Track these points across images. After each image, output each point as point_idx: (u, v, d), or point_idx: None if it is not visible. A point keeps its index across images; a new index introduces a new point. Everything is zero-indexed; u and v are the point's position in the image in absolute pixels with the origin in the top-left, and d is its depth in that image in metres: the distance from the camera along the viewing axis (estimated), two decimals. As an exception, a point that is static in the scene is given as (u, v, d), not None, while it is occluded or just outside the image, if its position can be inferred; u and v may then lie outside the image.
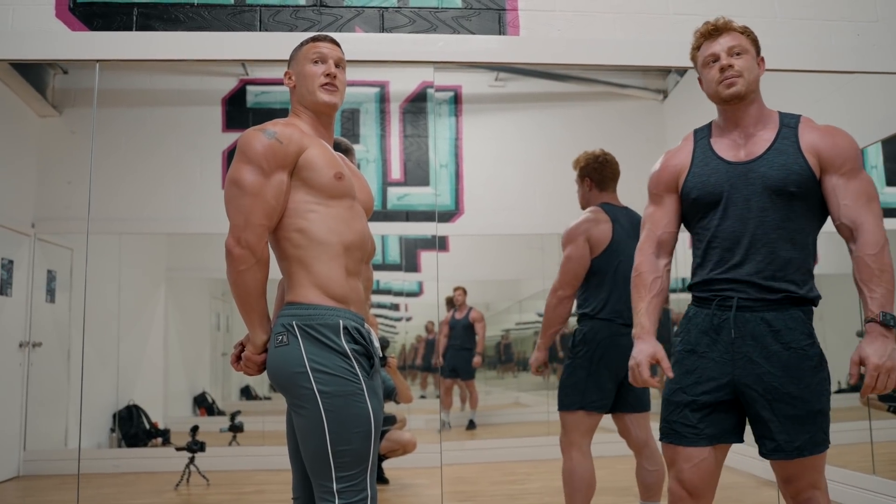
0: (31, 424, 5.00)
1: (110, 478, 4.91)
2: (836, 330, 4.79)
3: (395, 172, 5.42)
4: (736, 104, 1.91)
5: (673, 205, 2.01)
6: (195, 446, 4.57)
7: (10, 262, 5.01)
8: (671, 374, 1.89)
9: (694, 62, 2.03)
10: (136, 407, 5.60)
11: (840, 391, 4.84)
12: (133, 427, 5.52)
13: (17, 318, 5.07)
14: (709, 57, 1.95)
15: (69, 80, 5.25)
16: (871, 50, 3.31)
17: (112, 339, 5.59)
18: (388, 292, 6.49)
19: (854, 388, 4.67)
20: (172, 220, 5.36)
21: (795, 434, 1.80)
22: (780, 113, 1.96)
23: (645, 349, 1.90)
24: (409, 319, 6.90)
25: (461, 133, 5.57)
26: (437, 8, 3.26)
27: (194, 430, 4.68)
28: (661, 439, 1.96)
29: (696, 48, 2.00)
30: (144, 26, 3.13)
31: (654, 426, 3.09)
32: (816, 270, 1.94)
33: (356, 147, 4.73)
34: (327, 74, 1.90)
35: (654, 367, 1.93)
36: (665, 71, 5.55)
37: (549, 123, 5.64)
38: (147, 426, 5.59)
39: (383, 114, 5.44)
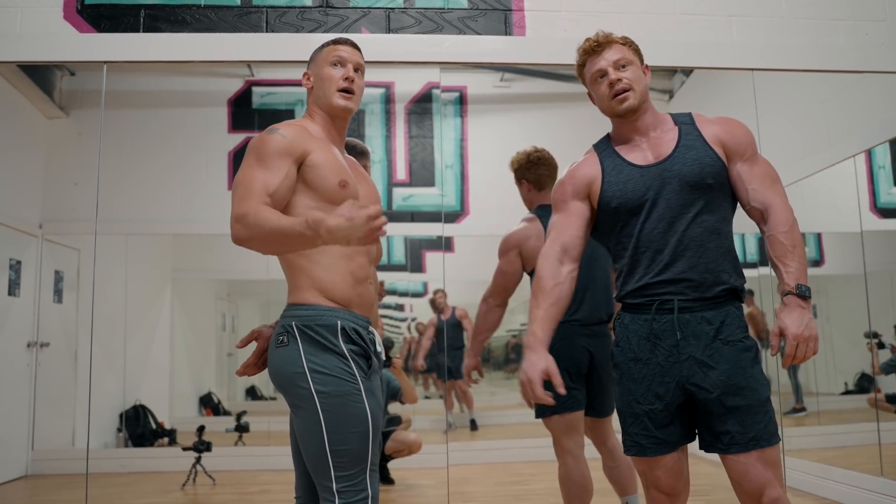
0: (38, 424, 5.02)
1: (117, 477, 4.93)
2: (842, 331, 4.78)
3: (401, 173, 5.43)
4: (631, 116, 1.94)
5: (580, 212, 2.00)
6: (201, 446, 4.59)
7: (18, 262, 5.03)
8: (562, 391, 1.83)
9: (582, 80, 2.04)
10: (143, 407, 5.62)
11: (847, 392, 4.83)
12: (140, 427, 5.54)
13: (25, 319, 5.09)
14: (596, 73, 1.96)
15: (76, 82, 5.27)
16: (879, 49, 3.30)
17: (119, 339, 5.61)
18: (392, 293, 6.49)
19: (862, 391, 4.65)
20: (178, 221, 5.38)
21: (749, 425, 1.81)
22: (670, 114, 2.00)
23: (537, 364, 1.85)
24: (413, 320, 6.90)
25: (466, 134, 5.57)
26: (443, 9, 3.26)
27: (200, 430, 4.69)
28: (626, 453, 1.96)
29: (581, 65, 2.02)
30: (151, 28, 3.14)
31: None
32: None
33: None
34: (345, 79, 1.90)
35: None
36: (671, 71, 5.54)
37: (555, 124, 5.63)
38: (153, 426, 5.61)
39: (388, 114, 5.45)
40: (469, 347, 2.99)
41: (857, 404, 4.63)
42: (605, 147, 2.03)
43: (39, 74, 5.00)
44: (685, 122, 1.96)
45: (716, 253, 1.88)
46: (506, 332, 7.41)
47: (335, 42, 1.95)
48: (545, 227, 2.85)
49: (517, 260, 2.92)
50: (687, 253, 1.87)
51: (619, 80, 1.92)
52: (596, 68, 1.96)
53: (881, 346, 4.20)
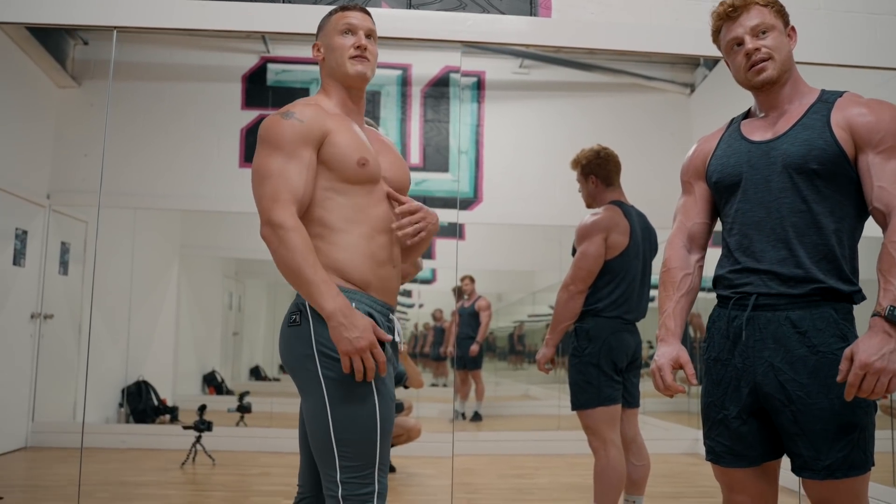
0: (40, 396, 4.99)
1: (116, 453, 4.90)
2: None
3: (415, 157, 5.34)
4: (769, 88, 1.73)
5: (704, 193, 1.85)
6: (202, 425, 4.55)
7: (25, 232, 4.99)
8: (694, 381, 1.73)
9: (717, 47, 1.83)
10: (146, 383, 5.59)
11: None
12: (141, 403, 5.51)
13: (30, 290, 5.06)
14: (732, 41, 1.75)
15: (89, 52, 5.21)
16: (917, 47, 3.20)
17: (123, 314, 5.57)
18: (401, 278, 6.41)
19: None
20: (188, 197, 5.33)
21: (826, 452, 1.59)
22: (822, 90, 1.76)
23: (668, 352, 1.73)
24: (421, 306, 6.86)
25: (483, 120, 5.48)
26: (468, -14, 3.17)
27: (202, 409, 4.65)
28: (706, 458, 1.82)
29: (716, 31, 1.80)
30: (165, -6, 3.06)
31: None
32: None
33: (376, 129, 4.66)
34: (357, 46, 1.80)
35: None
36: (693, 64, 5.43)
37: (573, 113, 5.54)
38: (155, 403, 5.58)
39: (405, 97, 5.37)
40: (548, 337, 2.94)
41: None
42: (736, 120, 1.85)
43: (52, 43, 4.93)
44: (825, 101, 1.71)
45: (813, 249, 1.65)
46: (512, 322, 7.37)
47: (343, 8, 1.84)
48: (629, 221, 2.90)
49: (603, 244, 2.88)
50: (778, 244, 1.67)
51: (758, 49, 1.70)
52: (731, 36, 1.75)
53: None
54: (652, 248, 3.02)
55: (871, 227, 1.73)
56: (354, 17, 1.83)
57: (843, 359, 1.53)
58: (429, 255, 5.96)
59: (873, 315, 1.52)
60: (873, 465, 1.65)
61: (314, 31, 1.90)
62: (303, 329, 1.67)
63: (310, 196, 1.70)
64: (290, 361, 1.71)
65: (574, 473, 4.51)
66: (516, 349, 7.45)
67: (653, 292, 3.17)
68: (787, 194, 1.67)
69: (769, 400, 1.66)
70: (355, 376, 1.61)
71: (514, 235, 5.96)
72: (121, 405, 5.48)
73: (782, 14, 1.76)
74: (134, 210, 5.42)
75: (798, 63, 1.81)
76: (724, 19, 1.77)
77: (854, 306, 1.70)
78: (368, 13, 1.87)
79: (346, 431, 1.64)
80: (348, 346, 1.58)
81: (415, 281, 6.60)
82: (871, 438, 1.64)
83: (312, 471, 1.80)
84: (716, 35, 1.82)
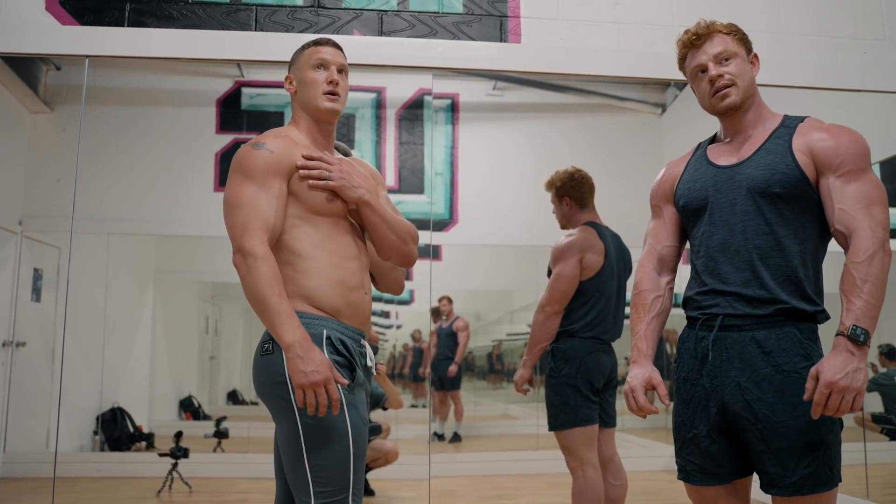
0: (12, 425, 4.90)
1: (91, 482, 4.82)
2: (826, 350, 4.74)
3: (390, 179, 5.37)
4: (733, 114, 1.79)
5: (673, 217, 1.90)
6: (178, 452, 4.49)
7: (-5, 259, 4.93)
8: (667, 402, 1.77)
9: (683, 73, 1.89)
10: (121, 410, 5.52)
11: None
12: (117, 430, 5.43)
13: (2, 317, 4.98)
14: (696, 68, 1.81)
15: (62, 77, 5.19)
16: (877, 68, 3.28)
17: (97, 340, 5.50)
18: (378, 299, 6.43)
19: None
20: (162, 222, 5.30)
21: (792, 469, 1.62)
22: (785, 116, 1.81)
23: (640, 374, 1.77)
24: (399, 327, 6.85)
25: (457, 142, 5.53)
26: (438, 13, 3.21)
27: (178, 435, 4.60)
28: (677, 477, 1.85)
29: (682, 59, 1.87)
30: (136, 22, 3.06)
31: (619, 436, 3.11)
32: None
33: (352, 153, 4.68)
34: (330, 81, 1.83)
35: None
36: (664, 85, 5.53)
37: (546, 134, 5.61)
38: (131, 429, 5.51)
39: (379, 120, 5.40)
40: (525, 358, 2.96)
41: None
42: (704, 144, 1.90)
43: (24, 68, 4.90)
44: (787, 126, 1.76)
45: (776, 270, 1.69)
46: (490, 341, 7.39)
47: (316, 43, 1.88)
48: (604, 242, 2.93)
49: (578, 266, 2.90)
50: (742, 266, 1.71)
51: (721, 75, 1.76)
52: (696, 63, 1.81)
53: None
54: (626, 269, 3.06)
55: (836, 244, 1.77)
56: (327, 53, 1.86)
57: (809, 377, 1.56)
58: (406, 276, 5.96)
59: (837, 334, 1.56)
60: (840, 480, 1.68)
61: (286, 60, 1.92)
62: (275, 357, 1.68)
63: (280, 225, 1.72)
64: (263, 390, 1.73)
65: (554, 493, 4.51)
66: (495, 368, 7.46)
67: (627, 311, 3.21)
68: (751, 217, 1.71)
69: (737, 419, 1.69)
70: (307, 410, 1.61)
71: (491, 256, 6.00)
72: (95, 433, 5.40)
73: (745, 42, 1.83)
74: (108, 235, 5.38)
75: (760, 85, 1.87)
76: (688, 47, 1.83)
77: (819, 326, 1.73)
78: (340, 49, 1.90)
79: (319, 457, 1.65)
80: (303, 378, 1.58)
81: (393, 301, 6.60)
82: (836, 455, 1.67)
83: (288, 497, 1.80)
84: (681, 62, 1.88)
